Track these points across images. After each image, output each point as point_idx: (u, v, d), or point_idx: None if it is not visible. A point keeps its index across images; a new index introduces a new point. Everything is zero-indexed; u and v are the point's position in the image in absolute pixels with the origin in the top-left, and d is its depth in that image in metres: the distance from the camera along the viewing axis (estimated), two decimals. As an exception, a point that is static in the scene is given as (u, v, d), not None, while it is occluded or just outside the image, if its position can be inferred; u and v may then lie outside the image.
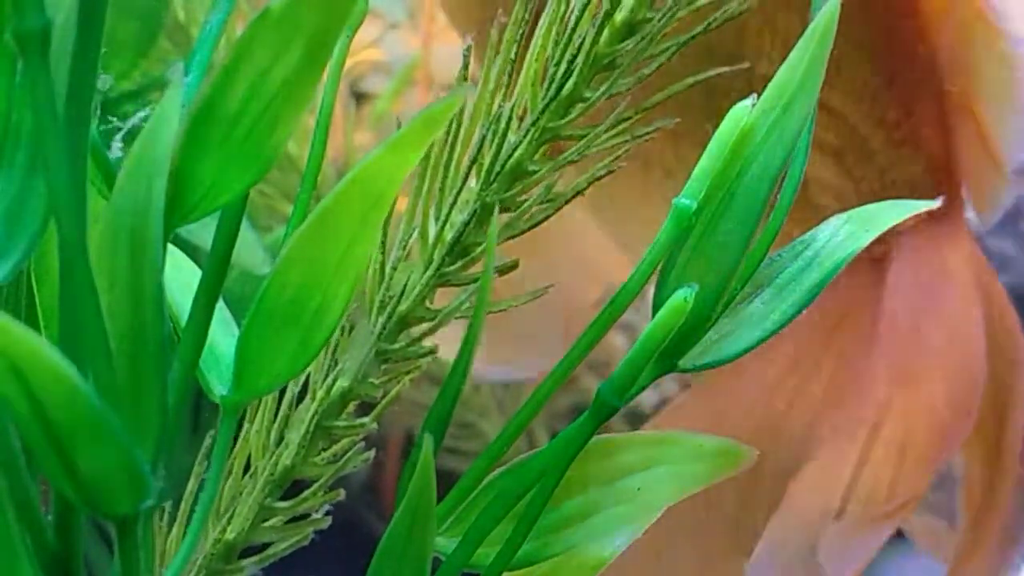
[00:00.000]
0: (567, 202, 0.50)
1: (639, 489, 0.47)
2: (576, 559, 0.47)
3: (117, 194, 0.38)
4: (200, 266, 0.47)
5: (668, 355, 0.45)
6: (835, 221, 0.47)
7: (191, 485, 0.51)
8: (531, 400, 0.46)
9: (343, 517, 0.54)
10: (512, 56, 0.50)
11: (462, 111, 0.50)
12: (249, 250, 0.70)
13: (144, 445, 0.39)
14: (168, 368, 0.39)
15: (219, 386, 0.45)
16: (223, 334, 0.46)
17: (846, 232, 0.46)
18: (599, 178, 0.50)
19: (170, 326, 0.39)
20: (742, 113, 0.44)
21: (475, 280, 0.50)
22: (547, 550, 0.47)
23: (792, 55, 0.43)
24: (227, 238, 0.43)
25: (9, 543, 0.39)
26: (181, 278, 0.47)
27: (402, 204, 0.50)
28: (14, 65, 0.38)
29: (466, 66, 0.49)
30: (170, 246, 0.45)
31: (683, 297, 0.43)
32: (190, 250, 0.49)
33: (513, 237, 0.50)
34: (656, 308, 0.44)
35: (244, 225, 0.43)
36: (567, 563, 0.47)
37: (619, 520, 0.47)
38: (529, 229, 0.50)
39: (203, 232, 0.44)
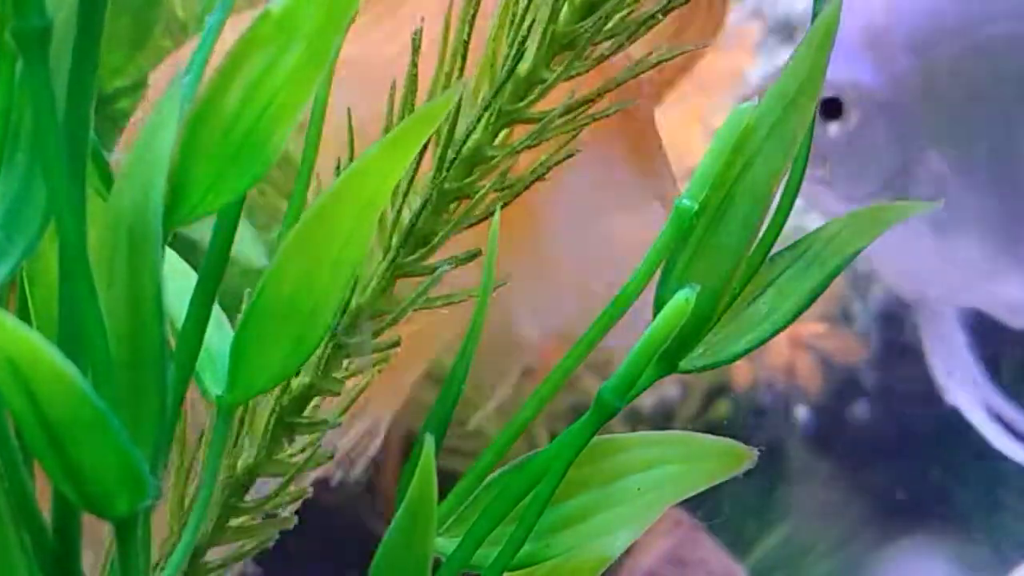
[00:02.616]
0: (526, 187, 0.49)
1: (639, 490, 0.47)
2: (577, 559, 0.47)
3: (116, 195, 0.38)
4: (199, 264, 0.47)
5: (669, 356, 0.45)
6: (836, 222, 0.46)
7: (170, 492, 0.51)
8: (531, 400, 0.46)
9: (343, 517, 0.54)
10: (465, 37, 0.49)
11: (415, 95, 0.49)
12: (248, 246, 0.69)
13: (143, 444, 0.38)
14: (167, 368, 0.39)
15: (214, 386, 0.45)
16: (218, 335, 0.46)
17: (848, 233, 0.46)
18: (558, 162, 0.49)
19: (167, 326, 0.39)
20: (743, 113, 0.44)
21: (434, 270, 0.49)
22: (548, 550, 0.46)
23: (794, 56, 0.43)
24: (224, 239, 0.43)
25: (6, 543, 0.39)
26: (176, 280, 0.46)
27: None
28: (14, 65, 0.38)
29: (416, 50, 0.48)
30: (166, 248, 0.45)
31: (684, 298, 0.43)
32: (189, 247, 0.49)
33: (471, 225, 0.49)
34: (657, 309, 0.44)
35: (243, 223, 0.43)
36: (568, 563, 0.47)
37: (619, 520, 0.47)
38: (487, 217, 0.49)
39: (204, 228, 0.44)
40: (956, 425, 0.99)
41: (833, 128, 0.91)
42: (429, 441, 0.41)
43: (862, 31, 0.91)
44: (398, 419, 0.88)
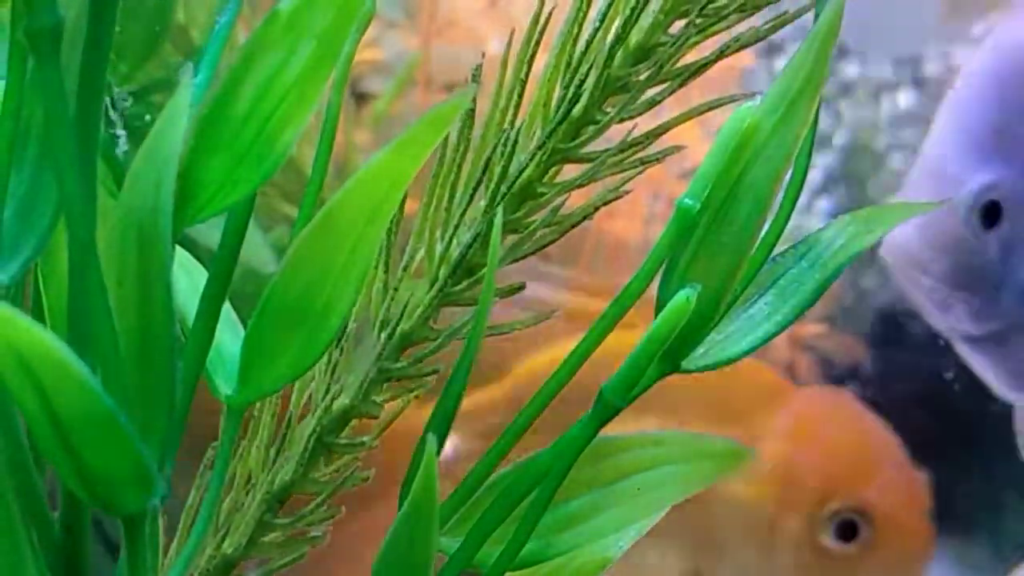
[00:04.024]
0: (574, 225, 0.50)
1: (639, 489, 0.47)
2: (579, 559, 0.47)
3: (126, 193, 0.38)
4: (202, 263, 0.47)
5: (671, 355, 0.45)
6: (838, 222, 0.47)
7: (192, 498, 0.51)
8: (534, 400, 0.46)
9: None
10: (523, 76, 0.49)
11: (471, 130, 0.50)
12: (255, 249, 0.70)
13: (152, 443, 0.39)
14: (176, 366, 0.39)
15: (224, 386, 0.45)
16: (229, 334, 0.46)
17: (849, 233, 0.46)
18: (607, 202, 0.50)
19: (177, 325, 0.40)
20: (745, 113, 0.44)
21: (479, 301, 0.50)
22: (550, 550, 0.47)
23: (795, 56, 0.43)
24: (235, 237, 0.43)
25: (14, 540, 0.39)
26: (187, 278, 0.47)
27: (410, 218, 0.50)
28: (25, 62, 0.38)
29: (476, 81, 0.49)
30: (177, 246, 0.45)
31: (686, 297, 0.43)
32: (190, 247, 0.49)
33: (517, 260, 0.50)
34: (659, 308, 0.44)
35: (250, 224, 0.43)
36: (570, 563, 0.47)
37: (622, 520, 0.47)
38: (535, 251, 0.50)
39: (211, 232, 0.44)
40: (956, 425, 1.00)
41: (993, 240, 0.82)
42: (431, 441, 0.41)
43: (987, 127, 0.82)
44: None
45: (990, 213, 0.81)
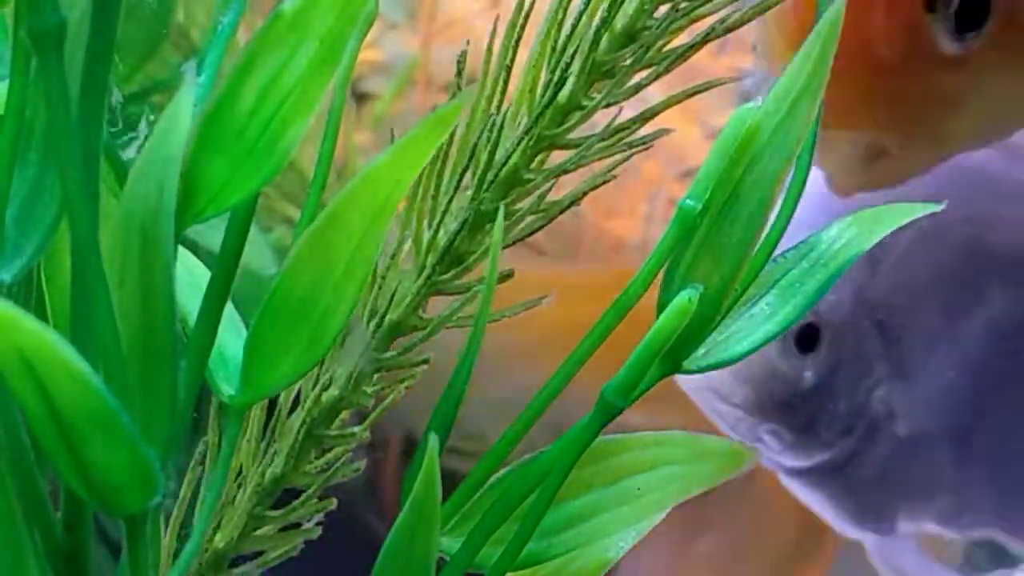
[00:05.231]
0: (562, 211, 0.50)
1: (640, 490, 0.47)
2: (580, 560, 0.47)
3: (128, 193, 0.38)
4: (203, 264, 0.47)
5: (672, 356, 0.45)
6: (840, 223, 0.47)
7: (183, 491, 0.51)
8: (535, 400, 0.46)
9: (343, 517, 0.54)
10: (508, 62, 0.49)
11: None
12: (256, 251, 0.70)
13: (154, 442, 0.39)
14: (178, 366, 0.39)
15: (226, 386, 0.45)
16: (231, 334, 0.46)
17: (851, 234, 0.46)
18: (596, 187, 0.50)
19: (179, 325, 0.40)
20: (747, 114, 0.44)
21: (468, 289, 0.50)
22: (551, 551, 0.47)
23: (797, 56, 0.44)
24: (237, 238, 0.43)
25: (16, 540, 0.39)
26: (189, 279, 0.47)
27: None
28: (28, 62, 0.38)
29: (460, 72, 0.49)
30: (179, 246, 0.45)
31: (687, 298, 0.43)
32: (191, 249, 0.49)
33: (507, 246, 0.50)
34: (660, 309, 0.44)
35: (252, 227, 0.43)
36: (571, 564, 0.47)
37: (623, 521, 0.47)
38: (524, 238, 0.50)
39: (210, 234, 0.44)
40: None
41: (808, 367, 0.74)
42: (433, 441, 0.41)
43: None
44: (397, 418, 0.88)
45: (806, 338, 0.74)
